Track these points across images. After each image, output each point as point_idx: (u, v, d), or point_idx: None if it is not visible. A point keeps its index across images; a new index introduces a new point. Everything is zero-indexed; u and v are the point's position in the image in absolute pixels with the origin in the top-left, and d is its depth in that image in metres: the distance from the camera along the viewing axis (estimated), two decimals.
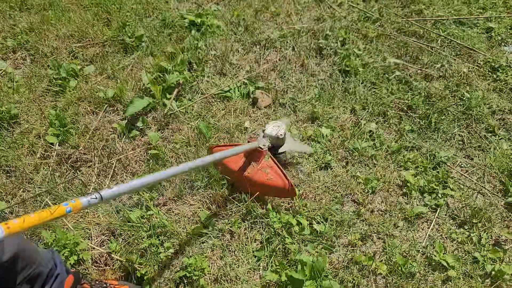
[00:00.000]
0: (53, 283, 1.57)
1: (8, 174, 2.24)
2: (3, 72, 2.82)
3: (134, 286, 1.84)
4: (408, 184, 2.25)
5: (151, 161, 2.30)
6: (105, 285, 1.77)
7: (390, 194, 2.25)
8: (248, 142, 2.21)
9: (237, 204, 2.13)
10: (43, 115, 2.49)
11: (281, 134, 2.16)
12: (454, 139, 2.52)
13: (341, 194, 2.23)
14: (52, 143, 2.34)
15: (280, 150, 2.30)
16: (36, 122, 2.47)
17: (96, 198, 1.15)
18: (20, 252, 1.41)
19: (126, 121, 2.51)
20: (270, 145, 2.13)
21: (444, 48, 3.07)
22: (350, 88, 2.79)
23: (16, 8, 3.34)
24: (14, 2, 3.35)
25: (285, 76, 2.88)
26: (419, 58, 2.99)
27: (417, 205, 2.18)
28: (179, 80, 2.67)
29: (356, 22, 3.25)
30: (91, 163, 2.31)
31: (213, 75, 2.88)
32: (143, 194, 2.10)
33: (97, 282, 1.77)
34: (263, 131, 2.20)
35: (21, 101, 2.61)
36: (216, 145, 2.24)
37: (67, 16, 3.22)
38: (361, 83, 2.82)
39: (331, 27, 3.18)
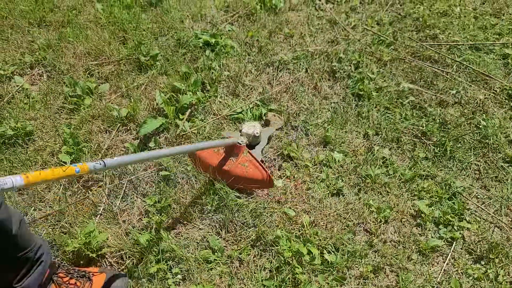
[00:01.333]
0: (34, 272, 1.62)
1: (20, 192, 2.25)
2: (20, 88, 2.86)
3: (112, 272, 1.85)
4: (422, 214, 2.20)
5: (161, 183, 2.29)
6: (83, 273, 1.79)
7: (403, 224, 2.20)
8: (228, 137, 2.33)
9: (246, 230, 2.10)
10: (57, 133, 2.51)
11: (257, 133, 2.37)
12: (470, 169, 2.47)
13: (353, 223, 2.19)
14: (64, 162, 2.35)
15: (257, 148, 2.44)
16: (50, 140, 2.49)
17: (100, 164, 1.32)
18: (21, 230, 1.49)
19: (138, 140, 2.52)
20: (247, 142, 2.33)
21: (459, 73, 3.04)
22: (363, 113, 2.77)
23: (35, 25, 3.40)
24: (33, 19, 3.41)
25: (297, 99, 2.87)
26: (434, 83, 2.97)
27: (432, 237, 2.13)
28: (192, 101, 2.68)
29: (370, 45, 3.24)
30: (102, 183, 2.31)
31: (226, 95, 2.88)
32: (153, 217, 2.09)
33: (76, 270, 1.79)
34: (240, 130, 2.43)
35: (36, 117, 2.64)
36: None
37: (85, 34, 3.26)
38: (375, 108, 2.80)
39: (345, 50, 3.18)
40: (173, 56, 3.09)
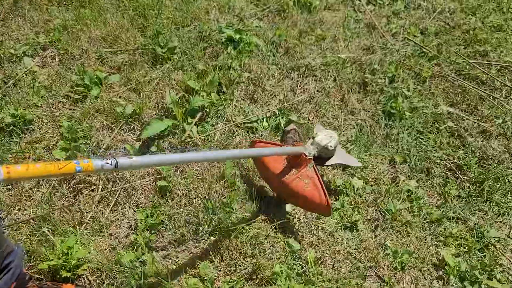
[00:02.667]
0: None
1: (8, 187, 2.11)
2: (28, 71, 2.71)
3: None
4: (446, 266, 1.91)
5: (157, 194, 2.09)
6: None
7: (422, 274, 1.92)
8: (295, 145, 2.02)
9: (243, 260, 1.88)
10: (57, 125, 2.34)
11: (331, 146, 2.01)
12: (508, 215, 2.14)
13: (365, 265, 1.93)
14: (58, 159, 2.18)
15: (328, 163, 2.12)
16: (48, 132, 2.33)
17: (111, 164, 1.08)
18: None
19: (140, 143, 2.32)
20: (316, 154, 2.00)
21: (508, 100, 2.67)
22: (392, 135, 2.46)
23: (54, 2, 3.24)
24: None
25: (321, 110, 2.60)
26: (478, 108, 2.62)
27: None
28: (204, 103, 2.45)
29: (409, 57, 2.90)
30: (94, 187, 2.13)
31: (243, 99, 2.64)
32: (140, 235, 1.89)
33: (49, 286, 1.67)
34: (313, 137, 2.07)
35: (39, 104, 2.49)
36: (260, 140, 2.10)
37: (103, 17, 3.07)
38: (406, 130, 2.49)
39: (381, 60, 2.85)
40: (192, 49, 2.86)
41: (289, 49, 2.93)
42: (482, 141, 2.43)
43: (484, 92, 2.68)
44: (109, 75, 2.70)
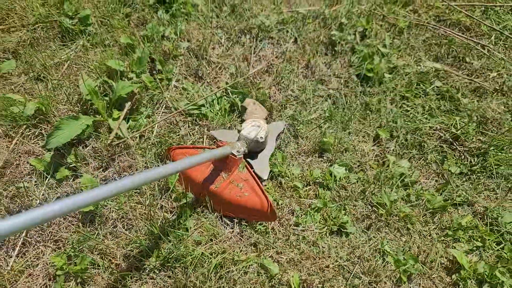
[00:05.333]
0: None
1: None
2: None
3: None
4: (460, 269, 1.54)
5: (81, 224, 1.54)
6: None
7: (434, 283, 1.54)
8: (218, 146, 1.62)
9: None
10: None
11: (261, 137, 1.70)
12: None
13: (362, 282, 1.52)
14: None
15: (261, 158, 1.78)
16: None
17: None
18: None
19: (52, 153, 1.73)
20: (246, 150, 1.68)
21: (499, 47, 2.27)
22: (372, 104, 2.01)
23: None
24: None
25: (283, 83, 2.08)
26: (467, 61, 2.20)
27: None
28: (133, 89, 1.86)
29: (381, 5, 2.41)
30: None
31: (184, 77, 2.07)
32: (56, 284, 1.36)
33: None
34: (239, 131, 1.77)
35: None
36: (176, 146, 1.73)
37: None
38: (387, 97, 2.05)
39: (348, 12, 2.34)
40: (111, 17, 2.21)
41: (236, 7, 2.34)
42: (478, 101, 2.03)
43: (471, 40, 2.26)
44: (2, 61, 2.03)
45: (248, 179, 1.62)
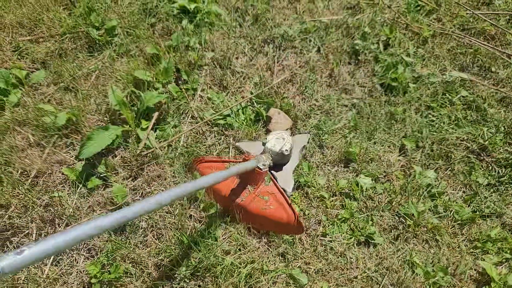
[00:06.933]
0: None
1: None
2: None
3: None
4: (489, 280, 1.53)
5: (113, 233, 1.57)
6: None
7: None
8: (244, 160, 1.61)
9: None
10: None
11: (286, 150, 1.68)
12: None
13: None
14: None
15: (286, 171, 1.77)
16: None
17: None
18: None
19: (83, 162, 1.76)
20: (271, 163, 1.67)
21: None
22: (397, 114, 2.01)
23: None
24: None
25: (307, 92, 2.10)
26: (492, 70, 2.19)
27: None
28: (160, 99, 1.89)
29: (404, 14, 2.41)
30: (27, 231, 1.58)
31: (210, 87, 2.10)
32: None
33: None
34: (264, 144, 1.73)
35: None
36: (201, 157, 1.73)
37: None
38: (412, 106, 2.05)
39: (371, 21, 2.35)
40: (136, 28, 2.25)
41: (259, 17, 2.37)
42: (504, 111, 2.02)
43: (496, 49, 2.25)
44: (32, 72, 2.08)
45: (274, 192, 1.62)
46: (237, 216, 1.61)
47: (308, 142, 1.89)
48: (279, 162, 1.76)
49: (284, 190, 1.70)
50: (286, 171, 1.79)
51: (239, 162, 1.67)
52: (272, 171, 1.76)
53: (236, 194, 1.61)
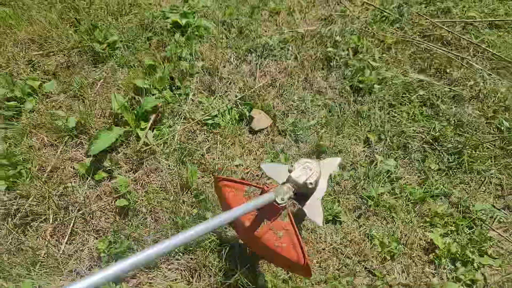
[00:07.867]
0: None
1: None
2: None
3: None
4: (436, 249, 1.82)
5: (117, 216, 1.86)
6: None
7: (413, 261, 1.82)
8: (263, 191, 1.44)
9: (223, 276, 1.71)
10: None
11: (311, 183, 1.53)
12: (491, 183, 2.07)
13: (353, 261, 1.81)
14: None
15: (312, 201, 1.64)
16: None
17: None
18: None
19: (92, 158, 2.06)
20: (292, 195, 1.50)
21: (477, 59, 2.56)
22: (363, 111, 2.31)
23: None
24: None
25: (285, 95, 2.40)
26: (447, 72, 2.49)
27: (448, 279, 1.77)
28: (157, 103, 2.20)
29: (371, 24, 2.72)
30: (44, 217, 1.87)
31: (200, 92, 2.40)
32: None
33: None
34: (289, 171, 1.56)
35: None
36: (223, 177, 1.63)
37: (28, 14, 2.69)
38: (377, 104, 2.34)
39: (342, 30, 2.66)
40: (135, 42, 2.56)
41: (243, 29, 2.68)
42: (455, 107, 2.32)
43: (451, 53, 2.56)
44: (44, 82, 2.38)
45: (289, 229, 1.52)
46: (249, 246, 1.70)
47: (338, 167, 1.94)
48: (304, 192, 1.60)
49: (315, 223, 1.70)
50: (313, 200, 1.66)
51: (258, 187, 1.59)
52: (298, 202, 1.66)
53: (252, 224, 1.53)
